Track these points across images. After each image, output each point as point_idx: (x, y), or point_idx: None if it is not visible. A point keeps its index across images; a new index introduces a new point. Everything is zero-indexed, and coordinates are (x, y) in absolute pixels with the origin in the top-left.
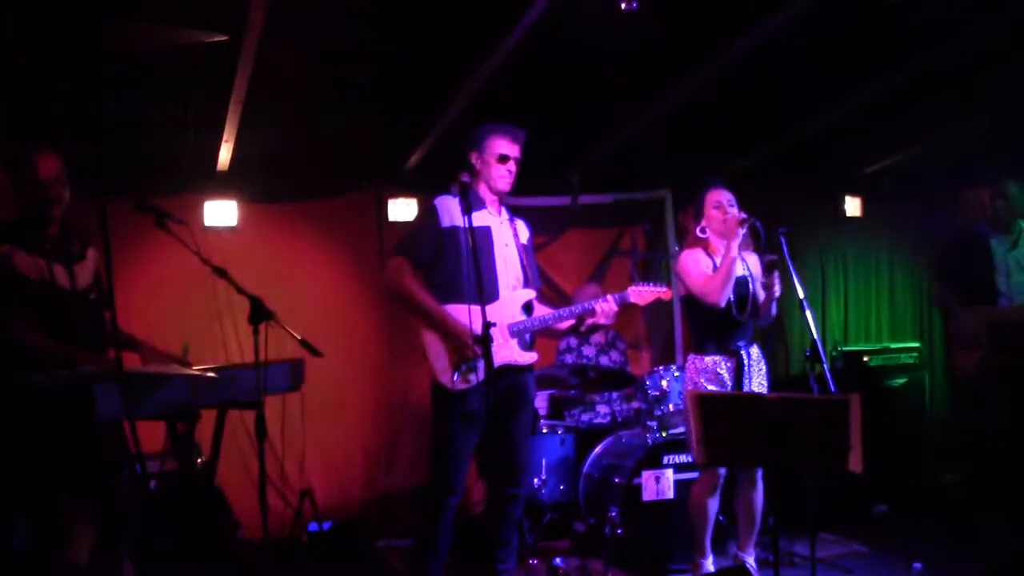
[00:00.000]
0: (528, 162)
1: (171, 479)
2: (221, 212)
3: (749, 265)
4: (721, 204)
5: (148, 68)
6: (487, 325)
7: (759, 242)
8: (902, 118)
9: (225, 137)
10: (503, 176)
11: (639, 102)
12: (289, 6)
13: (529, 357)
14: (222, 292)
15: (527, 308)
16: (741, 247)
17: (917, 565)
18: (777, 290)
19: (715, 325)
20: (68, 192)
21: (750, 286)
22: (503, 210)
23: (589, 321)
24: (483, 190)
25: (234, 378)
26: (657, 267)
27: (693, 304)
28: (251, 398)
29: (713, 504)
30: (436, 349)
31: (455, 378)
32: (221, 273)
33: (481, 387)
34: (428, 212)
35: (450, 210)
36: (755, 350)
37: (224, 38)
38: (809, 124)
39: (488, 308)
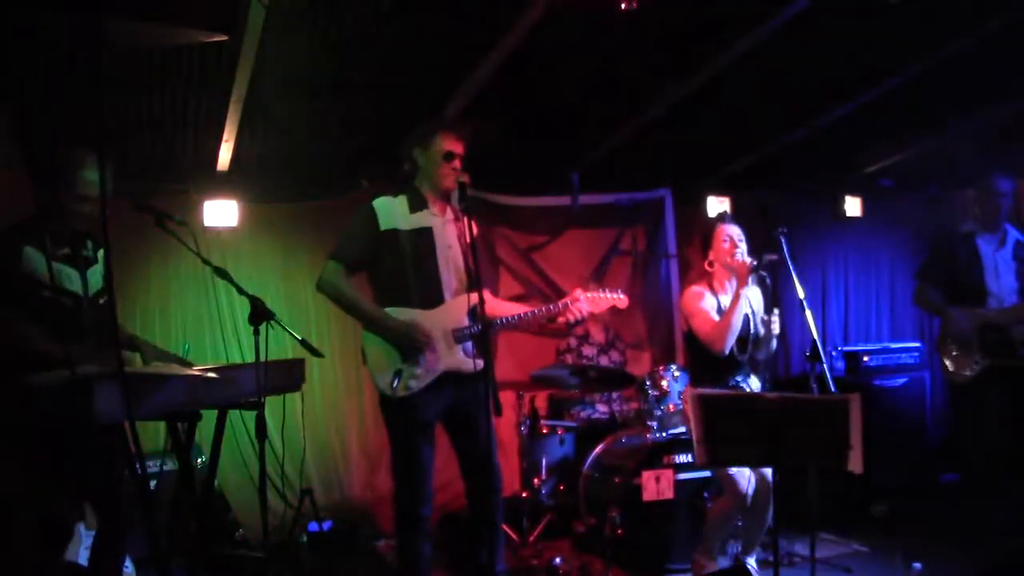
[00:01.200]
0: (528, 162)
1: (171, 479)
2: (221, 212)
3: (751, 300)
4: (731, 239)
5: (148, 68)
6: (487, 324)
7: (766, 292)
8: (902, 118)
9: (225, 137)
10: (448, 175)
11: (639, 102)
12: (289, 6)
13: (475, 364)
14: (222, 292)
15: (473, 314)
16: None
17: (917, 565)
18: (776, 328)
19: (714, 363)
20: (88, 215)
21: (752, 325)
22: (448, 209)
23: (560, 319)
24: (425, 189)
25: (234, 378)
26: (657, 267)
27: (694, 341)
28: (251, 398)
29: (737, 519)
30: (374, 353)
31: (395, 384)
32: (221, 273)
33: (426, 393)
34: (365, 215)
35: (390, 212)
36: (755, 380)
37: (224, 38)
38: (809, 124)
39: (431, 313)
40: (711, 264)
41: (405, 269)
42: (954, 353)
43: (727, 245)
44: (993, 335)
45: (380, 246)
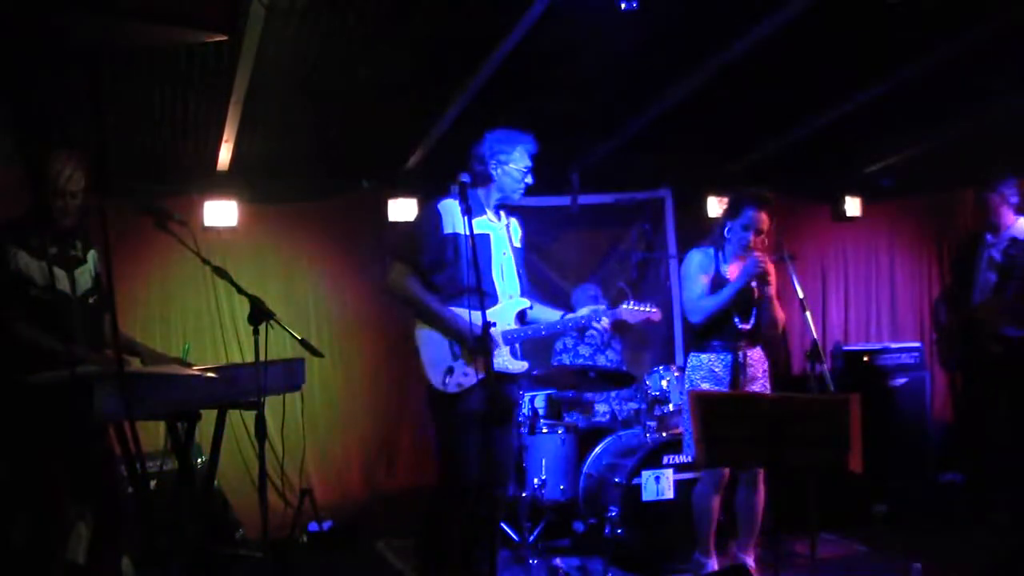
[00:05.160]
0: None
1: (171, 479)
2: (221, 212)
3: None
4: (752, 228)
5: (148, 68)
6: (486, 325)
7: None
8: (902, 118)
9: (225, 137)
10: (522, 188)
11: (639, 102)
12: (289, 6)
13: (520, 366)
14: (222, 292)
15: (521, 317)
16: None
17: (917, 565)
18: (778, 312)
19: (716, 327)
20: (75, 208)
21: (755, 294)
22: (502, 214)
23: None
24: (488, 196)
25: (234, 378)
26: (657, 267)
27: None
28: (251, 398)
29: (716, 502)
30: (430, 350)
31: (447, 380)
32: (221, 273)
33: (475, 389)
34: (431, 217)
35: (452, 215)
36: (756, 351)
37: (224, 38)
38: (809, 124)
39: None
40: (729, 231)
41: (463, 272)
42: (941, 346)
43: (747, 232)
44: (973, 328)
45: (443, 248)
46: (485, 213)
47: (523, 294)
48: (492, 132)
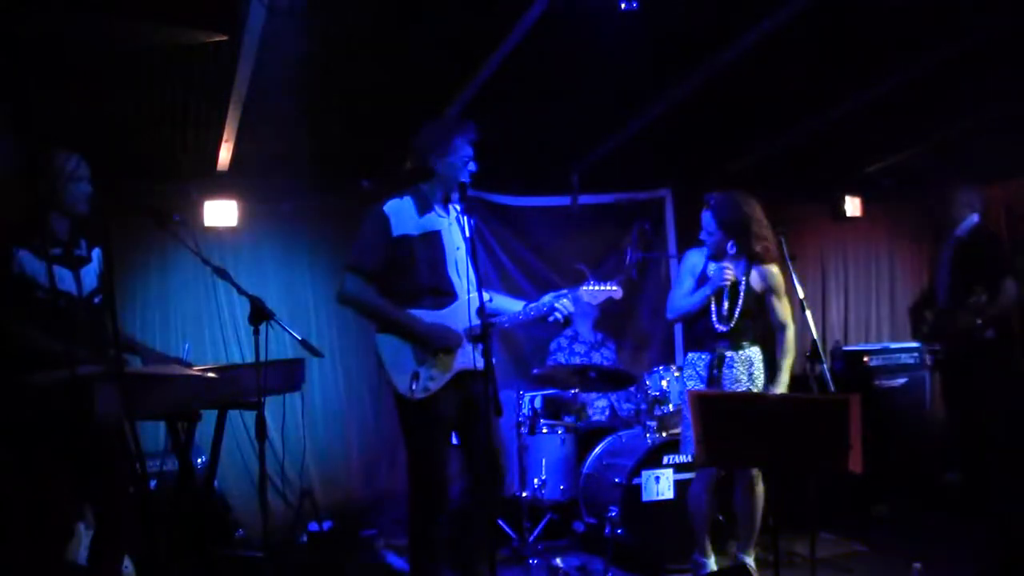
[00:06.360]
0: (528, 162)
1: (171, 479)
2: (221, 212)
3: (751, 279)
4: (705, 231)
5: (148, 68)
6: (486, 325)
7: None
8: (902, 118)
9: (225, 137)
10: (465, 175)
11: (639, 102)
12: (289, 6)
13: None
14: (222, 292)
15: (480, 312)
16: (752, 259)
17: (917, 565)
18: (782, 315)
19: (697, 328)
20: (87, 195)
21: (740, 299)
22: (450, 208)
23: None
24: (436, 192)
25: (234, 378)
26: (657, 267)
27: None
28: (251, 398)
29: (709, 501)
30: (393, 358)
31: (413, 387)
32: (221, 273)
33: (443, 392)
34: (378, 222)
35: (401, 217)
36: (743, 353)
37: (224, 38)
38: (809, 124)
39: (443, 314)
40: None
41: (419, 273)
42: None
43: (705, 235)
44: (936, 324)
45: (394, 252)
46: (432, 209)
47: (479, 286)
48: (428, 125)
